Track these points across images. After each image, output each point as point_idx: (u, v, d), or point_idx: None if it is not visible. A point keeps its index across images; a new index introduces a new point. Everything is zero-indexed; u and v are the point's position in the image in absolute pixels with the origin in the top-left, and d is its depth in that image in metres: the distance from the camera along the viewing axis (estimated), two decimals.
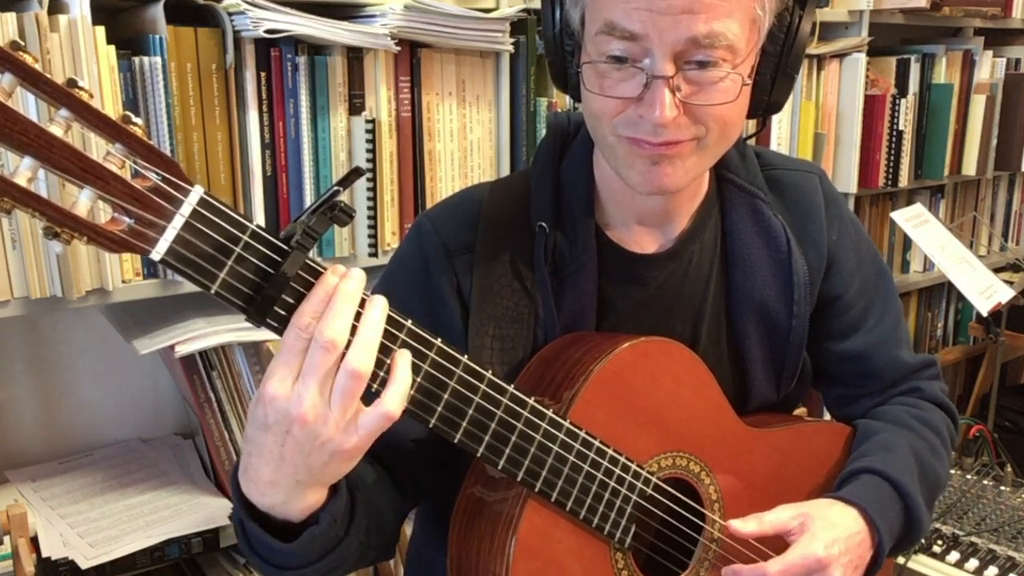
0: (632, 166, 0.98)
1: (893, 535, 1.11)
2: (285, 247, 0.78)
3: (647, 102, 0.92)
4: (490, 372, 0.90)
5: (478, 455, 0.92)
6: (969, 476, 2.03)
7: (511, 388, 0.92)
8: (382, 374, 0.83)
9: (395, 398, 0.82)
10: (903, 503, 1.12)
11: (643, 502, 1.03)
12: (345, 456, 0.82)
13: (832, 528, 1.05)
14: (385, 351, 0.83)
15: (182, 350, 1.56)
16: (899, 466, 1.14)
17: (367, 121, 1.69)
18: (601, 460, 0.99)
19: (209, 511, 1.63)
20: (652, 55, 0.91)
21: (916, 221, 2.37)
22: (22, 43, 0.67)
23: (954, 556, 1.72)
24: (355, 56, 1.69)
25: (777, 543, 1.08)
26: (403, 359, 0.84)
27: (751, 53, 0.96)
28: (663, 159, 0.96)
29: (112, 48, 1.44)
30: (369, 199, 1.73)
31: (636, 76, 0.92)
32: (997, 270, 2.84)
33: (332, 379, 0.79)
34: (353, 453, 0.83)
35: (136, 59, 1.48)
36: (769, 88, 1.01)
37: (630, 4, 0.89)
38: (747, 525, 1.05)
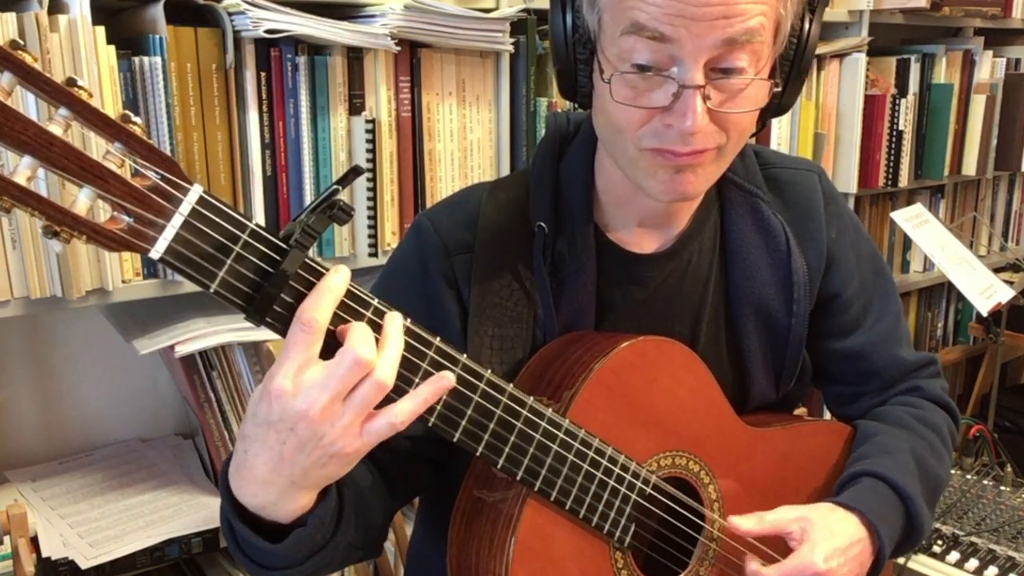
0: (654, 176, 0.97)
1: (894, 539, 1.11)
2: (284, 246, 0.78)
3: (677, 112, 0.91)
4: (489, 371, 0.90)
5: (477, 454, 0.92)
6: (969, 476, 2.03)
7: (510, 387, 0.92)
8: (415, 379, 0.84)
9: (406, 410, 0.82)
10: (904, 506, 1.12)
11: (643, 501, 1.03)
12: (344, 460, 0.83)
13: (832, 537, 1.05)
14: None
15: (182, 350, 1.56)
16: (899, 469, 1.13)
17: (367, 121, 1.69)
18: (600, 459, 0.99)
19: (209, 511, 1.63)
20: (682, 63, 0.90)
21: (916, 221, 2.37)
22: (21, 42, 0.67)
23: (954, 556, 1.72)
24: (355, 56, 1.69)
25: (777, 544, 1.08)
26: (438, 382, 0.85)
27: (772, 56, 0.96)
28: (686, 168, 0.96)
29: (112, 48, 1.44)
30: (369, 199, 1.73)
31: (664, 85, 0.91)
32: (997, 270, 2.84)
33: (351, 388, 0.79)
34: (352, 457, 0.83)
35: (136, 59, 1.48)
36: (781, 92, 1.01)
37: (661, 7, 0.88)
38: (747, 522, 1.05)
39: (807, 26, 0.99)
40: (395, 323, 0.83)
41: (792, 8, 0.96)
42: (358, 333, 0.79)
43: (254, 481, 0.84)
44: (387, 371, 0.80)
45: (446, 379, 0.85)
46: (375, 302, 0.83)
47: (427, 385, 0.84)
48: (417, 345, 0.86)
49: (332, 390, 0.78)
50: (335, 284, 0.80)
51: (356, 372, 0.78)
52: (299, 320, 0.78)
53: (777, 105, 1.03)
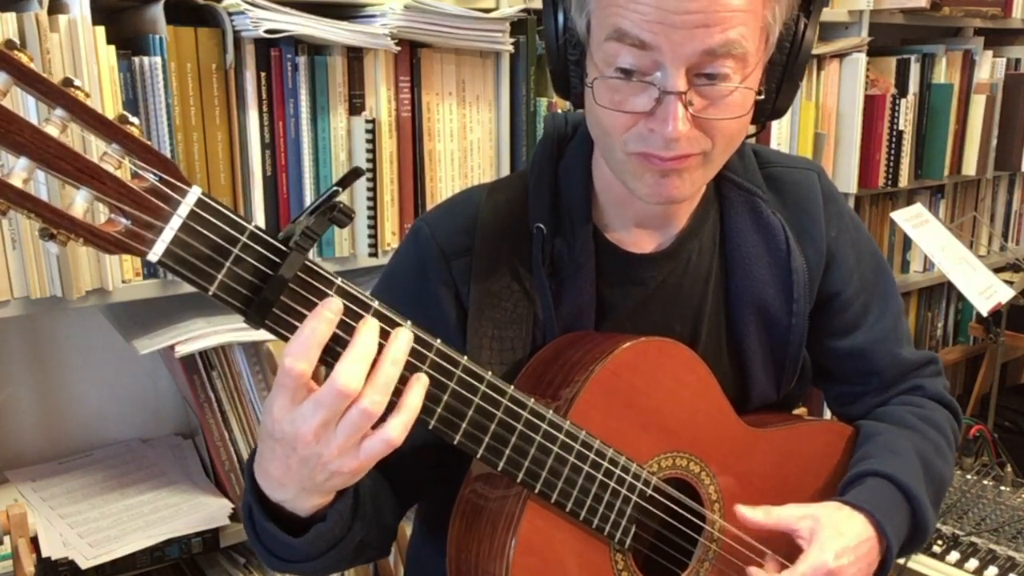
0: (641, 179, 0.98)
1: (900, 538, 1.11)
2: (284, 248, 0.78)
3: (659, 117, 0.91)
4: (489, 373, 0.90)
5: (478, 456, 0.91)
6: (969, 476, 2.02)
7: (511, 389, 0.92)
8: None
9: (399, 427, 0.82)
10: (910, 506, 1.12)
11: (643, 503, 1.03)
12: (347, 475, 0.84)
13: (841, 537, 1.05)
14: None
15: (182, 350, 1.56)
16: (905, 468, 1.13)
17: (367, 121, 1.69)
18: (601, 461, 0.99)
19: (209, 511, 1.63)
20: (664, 69, 0.90)
21: (916, 221, 2.37)
22: (16, 42, 0.67)
23: (954, 556, 1.72)
24: (355, 56, 1.69)
25: (778, 544, 1.08)
26: (418, 387, 0.84)
27: (759, 63, 0.96)
28: (672, 172, 0.96)
29: (112, 48, 1.44)
30: (369, 199, 1.73)
31: (647, 90, 0.91)
32: (997, 270, 2.84)
33: (342, 412, 0.80)
34: (355, 472, 0.84)
35: (136, 59, 1.48)
36: (774, 96, 1.01)
37: (642, 14, 0.88)
38: (754, 514, 1.05)
39: (801, 30, 0.99)
40: (398, 345, 0.82)
41: (780, 15, 0.95)
42: (348, 359, 0.79)
43: (270, 480, 0.87)
44: (375, 398, 0.80)
45: (421, 379, 0.84)
46: (375, 304, 0.83)
47: (409, 394, 0.84)
48: (417, 348, 0.85)
49: (321, 417, 0.79)
50: (320, 328, 0.78)
51: (341, 401, 0.79)
52: (283, 368, 0.78)
53: (771, 109, 1.02)
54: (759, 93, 0.97)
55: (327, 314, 0.79)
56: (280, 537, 0.90)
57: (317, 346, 0.78)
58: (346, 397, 0.79)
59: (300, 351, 0.78)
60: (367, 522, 0.97)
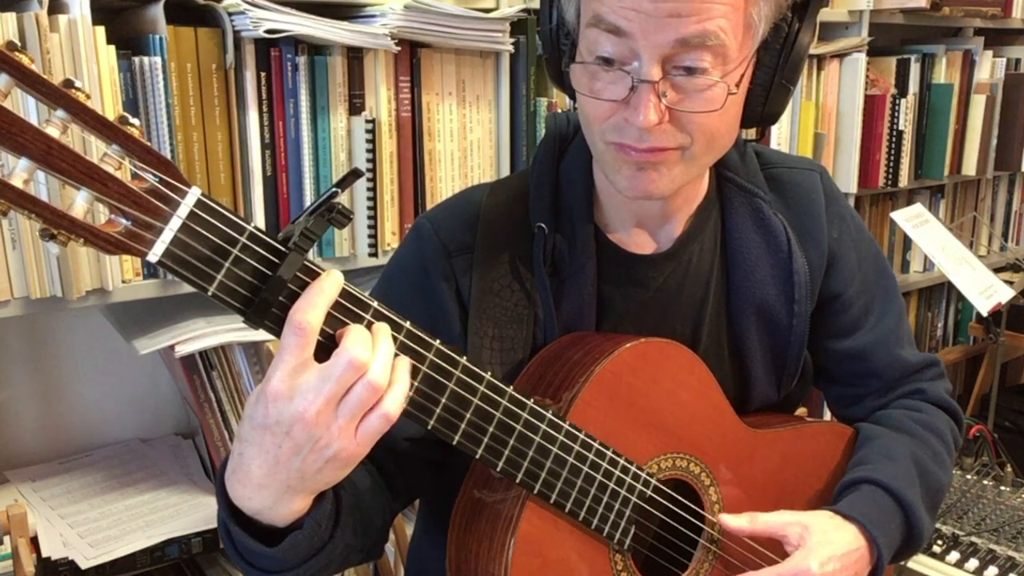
0: (619, 171, 0.98)
1: (892, 548, 1.11)
2: (283, 249, 0.78)
3: (632, 106, 0.92)
4: (489, 373, 0.90)
5: (477, 456, 0.91)
6: (969, 476, 2.02)
7: (510, 389, 0.92)
8: None
9: (395, 400, 0.82)
10: (903, 514, 1.12)
11: (643, 503, 1.03)
12: (340, 463, 0.82)
13: (829, 544, 1.04)
14: None
15: (182, 350, 1.56)
16: (900, 476, 1.13)
17: (367, 121, 1.69)
18: (600, 461, 0.99)
19: (209, 511, 1.63)
20: (640, 58, 0.90)
21: (916, 221, 2.37)
22: (18, 44, 0.67)
23: (954, 556, 1.72)
24: (355, 56, 1.69)
25: (778, 548, 1.08)
26: (403, 363, 0.84)
27: (743, 61, 0.95)
28: (648, 166, 0.96)
29: (112, 48, 1.44)
30: (369, 199, 1.73)
31: (623, 79, 0.92)
32: (997, 270, 2.84)
33: (346, 390, 0.79)
34: (349, 460, 0.82)
35: (136, 59, 1.48)
36: (764, 99, 0.99)
37: (619, 1, 0.89)
38: (738, 521, 1.05)
39: (793, 32, 0.97)
40: (384, 328, 0.82)
41: (768, 14, 0.94)
42: (354, 335, 0.79)
43: (249, 484, 0.83)
44: (380, 372, 0.79)
45: (403, 358, 0.84)
46: (375, 304, 0.83)
47: (397, 370, 0.83)
48: (417, 348, 0.85)
49: (327, 392, 0.78)
50: (327, 286, 0.79)
51: (351, 374, 0.78)
52: (291, 323, 0.77)
53: (761, 112, 1.00)
54: (737, 87, 0.94)
55: (333, 274, 0.79)
56: (256, 549, 0.86)
57: (325, 302, 0.78)
58: (357, 369, 0.78)
59: (307, 304, 0.77)
60: (349, 528, 0.94)
